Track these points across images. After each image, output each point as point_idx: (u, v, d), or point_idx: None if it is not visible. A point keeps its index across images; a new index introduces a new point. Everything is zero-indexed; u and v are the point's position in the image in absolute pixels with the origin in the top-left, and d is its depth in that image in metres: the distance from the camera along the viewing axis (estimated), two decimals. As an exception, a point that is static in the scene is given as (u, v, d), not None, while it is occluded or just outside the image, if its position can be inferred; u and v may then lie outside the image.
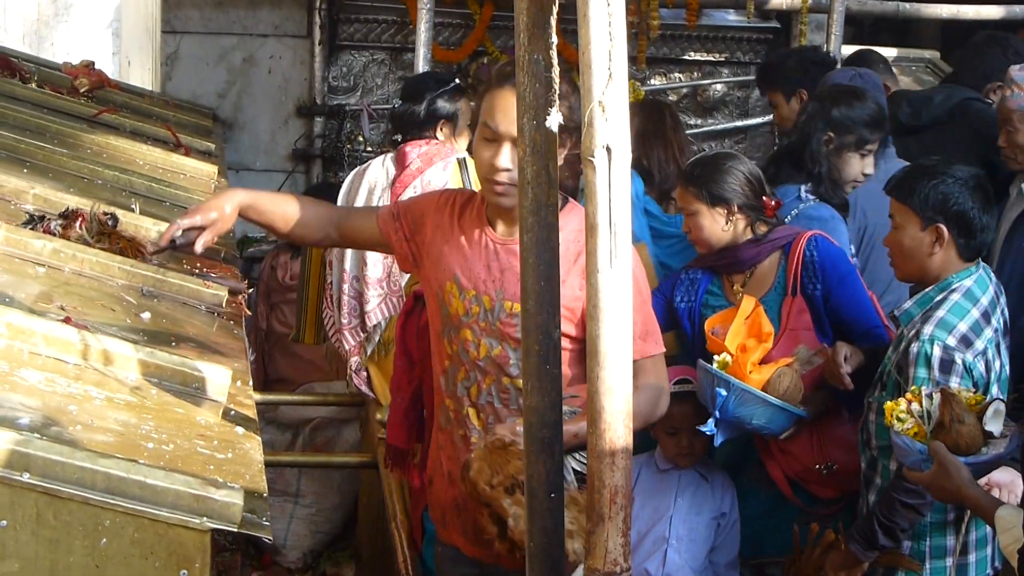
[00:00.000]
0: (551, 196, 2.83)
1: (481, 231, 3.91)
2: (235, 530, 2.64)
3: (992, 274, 4.38)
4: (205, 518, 2.61)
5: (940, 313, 4.17)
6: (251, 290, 4.13)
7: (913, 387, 3.81)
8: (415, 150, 5.77)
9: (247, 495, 2.71)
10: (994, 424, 3.70)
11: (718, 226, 4.74)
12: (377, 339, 5.81)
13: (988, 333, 4.23)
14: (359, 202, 5.80)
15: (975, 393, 3.86)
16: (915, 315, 4.24)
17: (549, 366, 2.88)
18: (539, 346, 2.87)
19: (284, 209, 4.12)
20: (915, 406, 3.71)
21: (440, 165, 5.72)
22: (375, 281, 5.81)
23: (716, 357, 4.60)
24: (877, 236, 5.16)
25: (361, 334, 5.84)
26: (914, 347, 4.10)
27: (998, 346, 4.27)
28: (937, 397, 3.72)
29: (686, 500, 4.80)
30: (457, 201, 4.06)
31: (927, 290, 4.26)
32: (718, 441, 4.69)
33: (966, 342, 4.14)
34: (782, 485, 4.68)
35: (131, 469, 2.60)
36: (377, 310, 5.81)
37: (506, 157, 3.73)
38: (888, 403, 3.77)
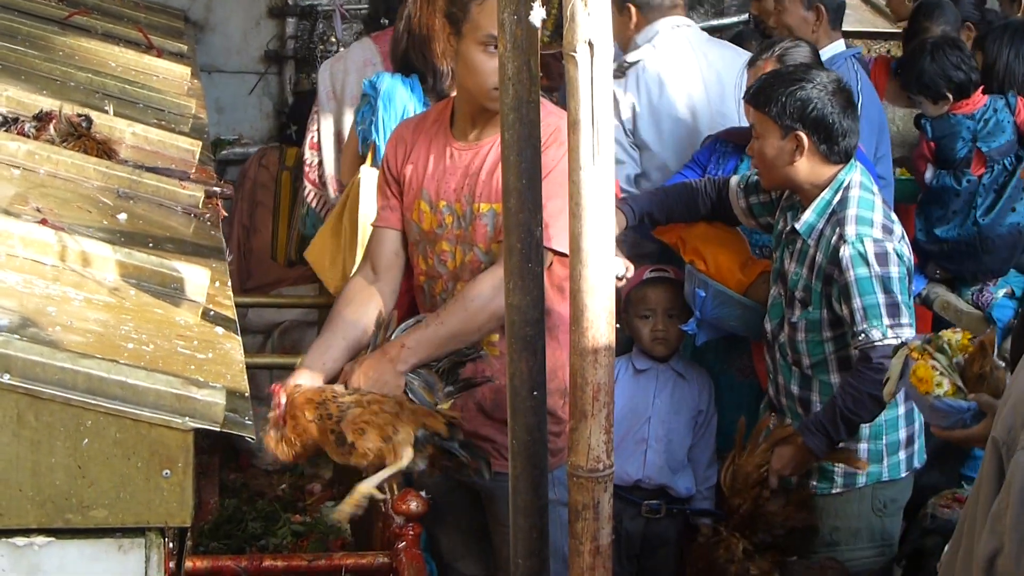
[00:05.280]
0: (532, 93, 2.79)
1: (445, 142, 3.92)
2: (218, 430, 2.62)
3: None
4: (187, 418, 2.59)
5: (851, 211, 4.11)
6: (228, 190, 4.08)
7: (913, 344, 3.65)
8: None
9: (229, 395, 2.69)
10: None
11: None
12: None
13: (895, 217, 4.22)
14: (351, 79, 5.71)
15: (964, 334, 3.79)
16: (816, 223, 4.16)
17: (531, 264, 2.85)
18: (521, 244, 2.84)
19: (350, 329, 3.88)
20: (935, 363, 3.58)
21: None
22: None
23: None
24: None
25: None
26: (844, 251, 4.03)
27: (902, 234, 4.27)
28: (957, 343, 3.59)
29: (664, 400, 4.80)
30: (411, 123, 4.09)
31: (822, 195, 4.17)
32: (699, 341, 4.69)
33: (887, 230, 4.11)
34: (762, 378, 4.66)
35: (112, 369, 2.58)
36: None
37: None
38: (921, 371, 3.60)
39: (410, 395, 3.65)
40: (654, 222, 4.60)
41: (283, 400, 3.54)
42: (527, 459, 2.91)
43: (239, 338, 3.10)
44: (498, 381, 3.84)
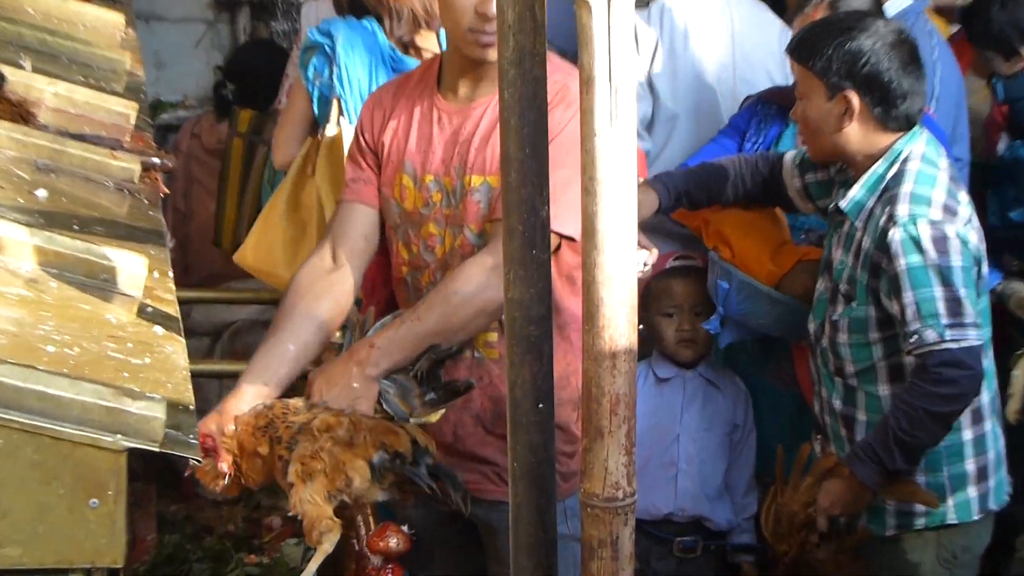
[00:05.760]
0: (538, 44, 2.76)
1: (431, 103, 3.91)
2: (157, 450, 2.59)
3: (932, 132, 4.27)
4: (119, 435, 2.54)
5: (906, 187, 4.06)
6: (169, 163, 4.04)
7: None
8: None
9: (170, 408, 2.64)
10: None
11: None
12: None
13: (964, 197, 4.15)
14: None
15: None
16: (866, 202, 4.12)
17: (536, 251, 2.82)
18: (523, 226, 2.81)
19: (306, 333, 3.82)
20: None
21: None
22: None
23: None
24: None
25: None
26: (894, 235, 3.97)
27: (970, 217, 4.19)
28: None
29: (694, 414, 4.77)
30: (391, 85, 4.09)
31: (874, 168, 4.13)
32: (723, 342, 4.66)
33: (949, 212, 4.04)
34: (805, 388, 4.62)
35: (28, 377, 2.53)
36: None
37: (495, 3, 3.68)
38: None
39: (384, 406, 3.60)
40: (693, 203, 4.55)
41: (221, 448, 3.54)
42: (530, 484, 2.88)
43: (183, 340, 3.07)
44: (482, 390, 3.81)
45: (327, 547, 3.43)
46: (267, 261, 5.21)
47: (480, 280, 3.65)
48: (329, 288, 3.87)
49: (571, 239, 3.67)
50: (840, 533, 4.25)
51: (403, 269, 3.99)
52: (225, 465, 3.57)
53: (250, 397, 3.67)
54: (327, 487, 3.43)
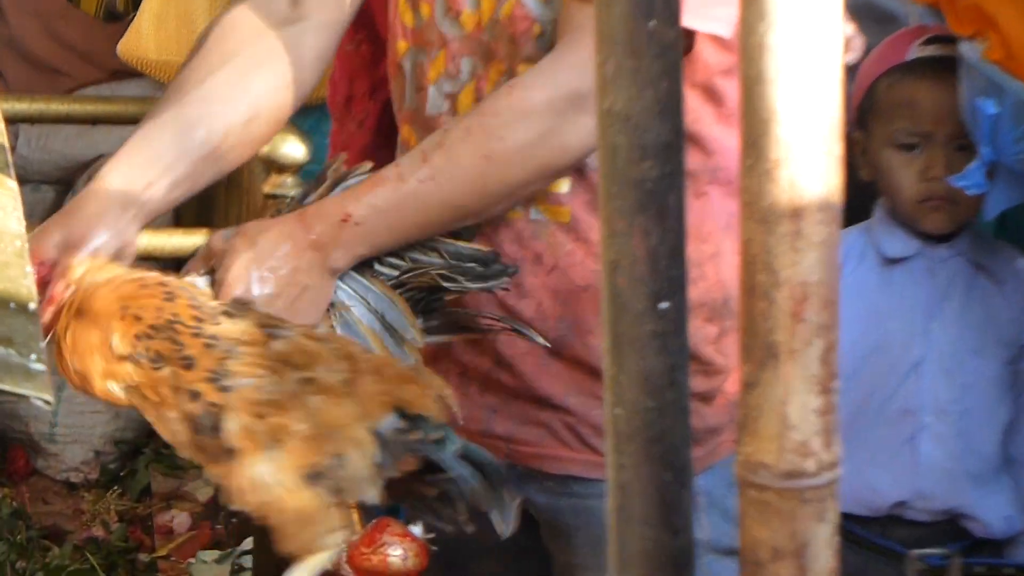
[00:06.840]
0: None
1: None
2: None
3: None
4: (-94, 358, 2.58)
5: None
6: None
7: None
8: None
9: (-2, 309, 2.68)
10: None
11: None
12: None
13: None
14: None
15: None
16: None
17: (654, 22, 2.65)
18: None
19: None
20: None
21: None
22: None
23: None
24: None
25: None
26: None
27: None
28: None
29: (950, 324, 4.76)
30: None
31: None
32: (991, 211, 4.67)
33: None
34: None
35: None
36: None
37: None
38: None
39: (334, 324, 3.57)
40: None
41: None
42: (646, 448, 2.78)
43: (14, 186, 3.12)
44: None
45: (324, 557, 3.40)
46: (182, 45, 5.25)
47: (546, 114, 3.55)
48: (281, 49, 3.81)
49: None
50: None
51: (400, 47, 3.95)
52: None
53: (116, 207, 3.60)
54: (302, 459, 3.37)
